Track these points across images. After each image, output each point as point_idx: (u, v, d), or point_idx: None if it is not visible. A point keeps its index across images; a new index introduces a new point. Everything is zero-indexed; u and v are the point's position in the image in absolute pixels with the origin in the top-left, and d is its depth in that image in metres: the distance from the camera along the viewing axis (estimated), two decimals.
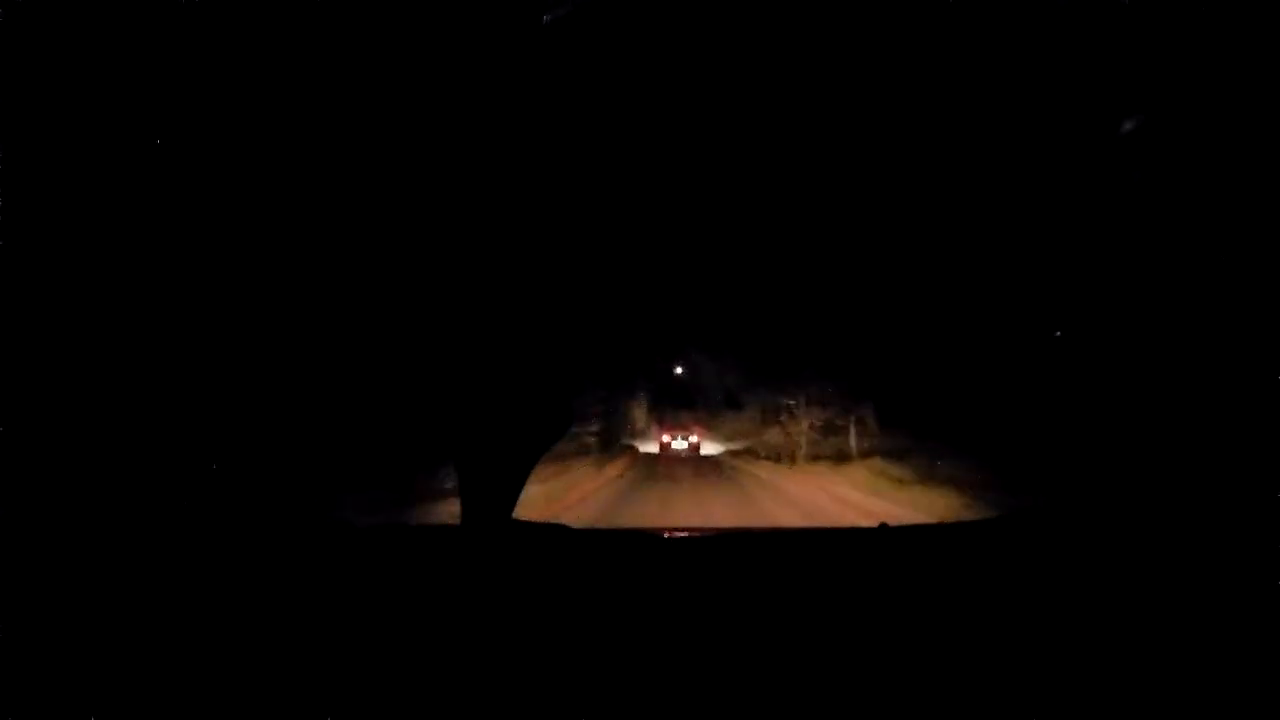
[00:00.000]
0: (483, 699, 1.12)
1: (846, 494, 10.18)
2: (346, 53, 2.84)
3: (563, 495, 8.91)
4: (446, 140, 2.94)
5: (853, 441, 13.89)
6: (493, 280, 2.70)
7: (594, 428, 14.78)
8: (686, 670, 1.18)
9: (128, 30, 2.52)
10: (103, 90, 2.58)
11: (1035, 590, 1.47)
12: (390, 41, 2.79)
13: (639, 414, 25.48)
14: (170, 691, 1.11)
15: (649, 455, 18.87)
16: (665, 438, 19.51)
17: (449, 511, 5.95)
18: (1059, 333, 6.75)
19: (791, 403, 16.05)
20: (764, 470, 14.68)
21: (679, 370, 27.56)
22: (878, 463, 12.09)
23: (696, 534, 2.76)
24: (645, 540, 2.25)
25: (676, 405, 26.77)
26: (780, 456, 15.95)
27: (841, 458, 14.04)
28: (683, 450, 18.46)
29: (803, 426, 15.33)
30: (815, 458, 14.73)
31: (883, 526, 2.03)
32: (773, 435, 16.52)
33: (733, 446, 20.31)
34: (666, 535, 2.35)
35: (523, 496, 2.08)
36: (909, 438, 12.60)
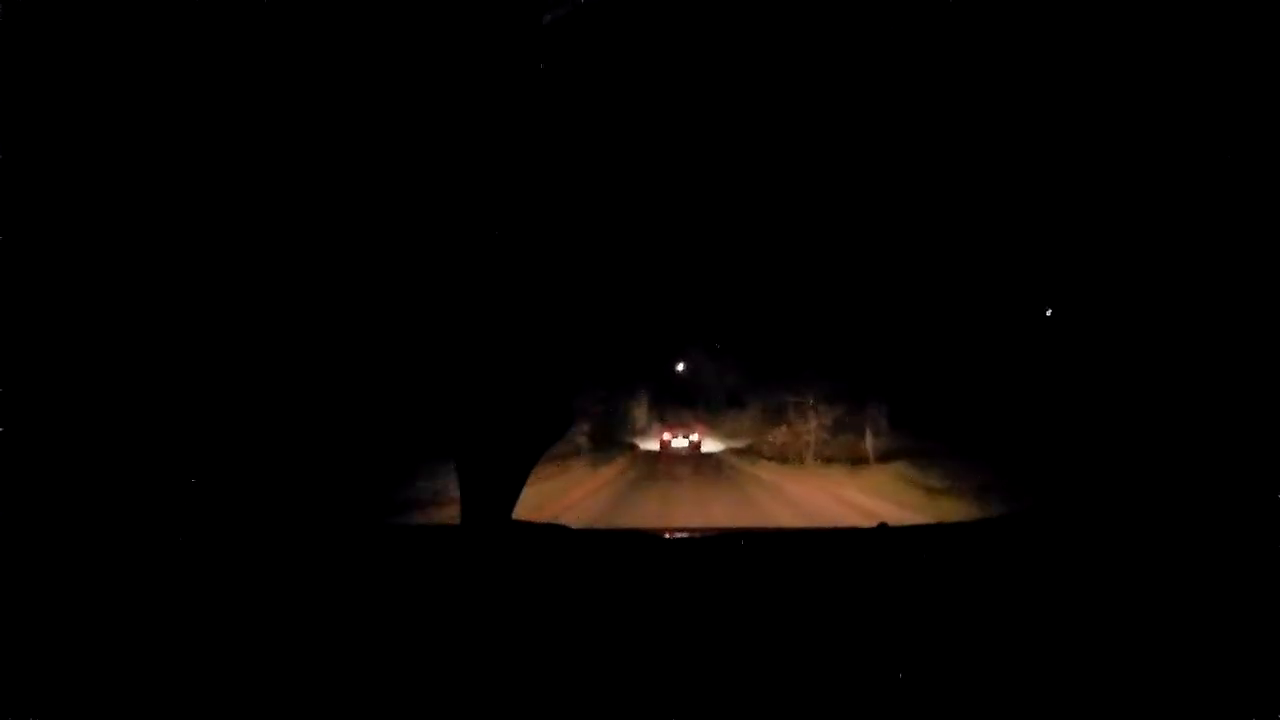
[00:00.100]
0: (483, 699, 1.11)
1: (868, 504, 8.65)
2: (347, 53, 2.80)
3: (548, 503, 7.71)
4: (446, 140, 2.90)
5: (869, 442, 12.37)
6: (492, 280, 2.66)
7: (585, 427, 13.39)
8: (686, 670, 1.17)
9: (127, 30, 2.47)
10: (103, 90, 2.52)
11: (1035, 590, 1.45)
12: (390, 41, 2.75)
13: (639, 412, 24.75)
14: (171, 691, 1.08)
15: (648, 454, 17.84)
16: (666, 436, 19.03)
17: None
18: (1049, 311, 6.65)
19: (798, 400, 14.60)
20: (769, 471, 13.22)
21: (680, 368, 26.79)
22: (901, 466, 10.58)
23: (696, 534, 2.62)
24: (645, 540, 2.19)
25: (678, 403, 25.78)
26: (787, 457, 14.43)
27: (857, 459, 12.53)
28: (683, 448, 17.95)
29: (811, 425, 13.84)
30: (827, 459, 13.22)
31: (882, 526, 1.97)
32: (779, 434, 15.00)
33: (736, 446, 19.05)
34: (666, 535, 2.29)
35: None
36: (920, 439, 11.60)
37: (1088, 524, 2.05)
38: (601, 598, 1.47)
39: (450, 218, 2.82)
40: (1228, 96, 3.15)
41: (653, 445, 19.58)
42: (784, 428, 14.81)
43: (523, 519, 1.99)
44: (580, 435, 13.86)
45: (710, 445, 20.02)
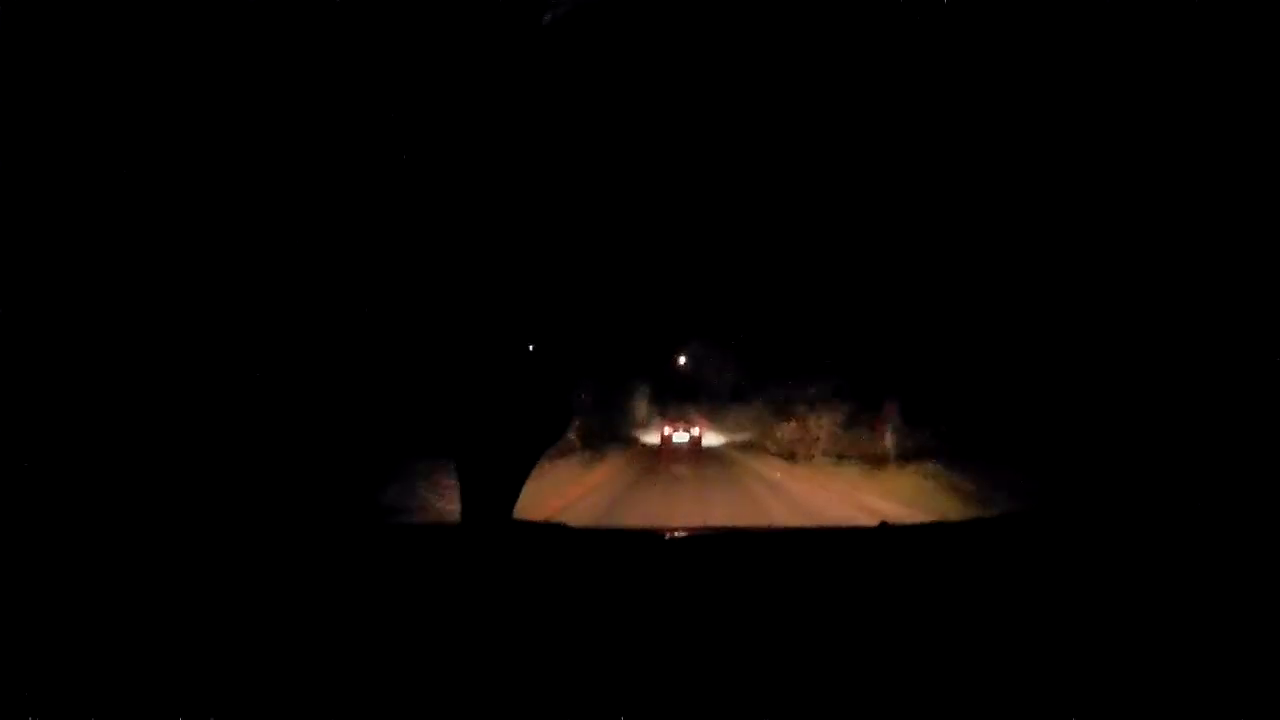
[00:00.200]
0: (483, 698, 1.08)
1: (900, 513, 7.04)
2: (347, 53, 2.78)
3: (523, 515, 6.05)
4: (447, 140, 2.87)
5: (888, 439, 10.86)
6: (492, 278, 2.65)
7: (575, 422, 11.92)
8: (686, 669, 1.14)
9: (128, 30, 2.43)
10: (103, 90, 2.48)
11: (1035, 590, 1.42)
12: (391, 41, 2.74)
13: (640, 406, 24.31)
14: (171, 690, 1.06)
15: (648, 451, 16.63)
16: (667, 430, 18.54)
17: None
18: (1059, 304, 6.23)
19: (807, 394, 13.14)
20: (777, 470, 11.72)
21: (682, 361, 26.64)
22: (929, 467, 9.07)
23: (696, 533, 2.50)
24: (645, 539, 2.19)
25: (679, 397, 25.53)
26: (794, 454, 12.95)
27: (873, 458, 11.03)
28: (684, 443, 17.31)
29: (822, 421, 12.33)
30: (839, 457, 11.73)
31: (882, 525, 1.94)
32: (787, 431, 13.51)
33: (740, 441, 17.89)
34: (666, 534, 2.19)
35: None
36: (939, 436, 10.35)
37: (1088, 524, 1.95)
38: (601, 597, 1.42)
39: (450, 217, 2.80)
40: (1228, 96, 3.07)
41: (654, 439, 19.10)
42: (791, 423, 13.33)
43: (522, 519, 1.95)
44: (570, 431, 12.61)
45: (714, 441, 19.30)
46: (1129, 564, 1.53)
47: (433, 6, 2.71)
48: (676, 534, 2.21)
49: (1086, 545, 1.73)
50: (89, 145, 2.51)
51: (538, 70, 2.84)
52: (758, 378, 20.87)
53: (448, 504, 5.81)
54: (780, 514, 7.42)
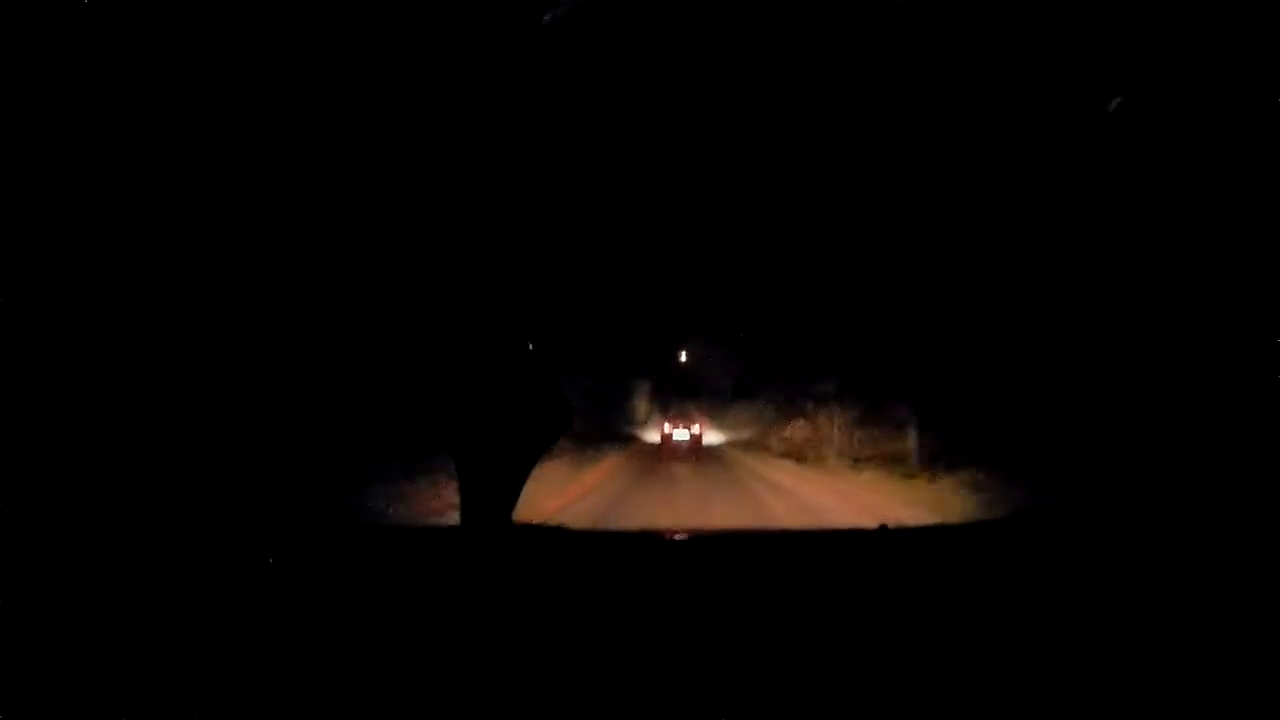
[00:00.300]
0: (483, 699, 1.07)
1: None
2: (347, 52, 2.73)
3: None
4: (447, 138, 2.85)
5: (913, 442, 9.42)
6: (491, 275, 2.62)
7: None
8: (687, 671, 1.12)
9: (128, 30, 2.42)
10: (103, 90, 2.47)
11: (1036, 590, 1.40)
12: (391, 41, 2.69)
13: (640, 403, 23.92)
14: (171, 690, 1.05)
15: (646, 450, 15.37)
16: (667, 428, 17.61)
17: None
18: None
19: (821, 388, 11.75)
20: (788, 475, 10.10)
21: (683, 358, 26.21)
22: (968, 476, 7.62)
23: (696, 534, 2.46)
24: (645, 541, 2.16)
25: (681, 394, 25.15)
26: (804, 455, 11.51)
27: (892, 461, 9.62)
28: (684, 441, 16.50)
29: (834, 419, 10.91)
30: (855, 460, 10.30)
31: (882, 527, 1.89)
32: (795, 429, 12.06)
33: (745, 441, 16.55)
34: (666, 536, 2.18)
35: None
36: (962, 439, 9.02)
37: (1089, 524, 1.96)
38: (602, 599, 1.38)
39: (450, 216, 2.85)
40: (1229, 96, 3.08)
41: (655, 437, 18.59)
42: (801, 422, 11.87)
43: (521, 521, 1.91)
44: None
45: (716, 439, 18.53)
46: (1131, 566, 1.48)
47: (433, 6, 2.66)
48: (676, 536, 2.11)
49: (1089, 547, 1.66)
50: (88, 145, 2.47)
51: (538, 70, 2.78)
52: (761, 374, 20.40)
53: (448, 504, 5.58)
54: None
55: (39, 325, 2.41)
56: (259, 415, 3.83)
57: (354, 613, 1.26)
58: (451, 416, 1.94)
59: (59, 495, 2.07)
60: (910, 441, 9.65)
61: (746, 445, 15.87)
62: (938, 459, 8.88)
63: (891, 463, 9.53)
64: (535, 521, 1.95)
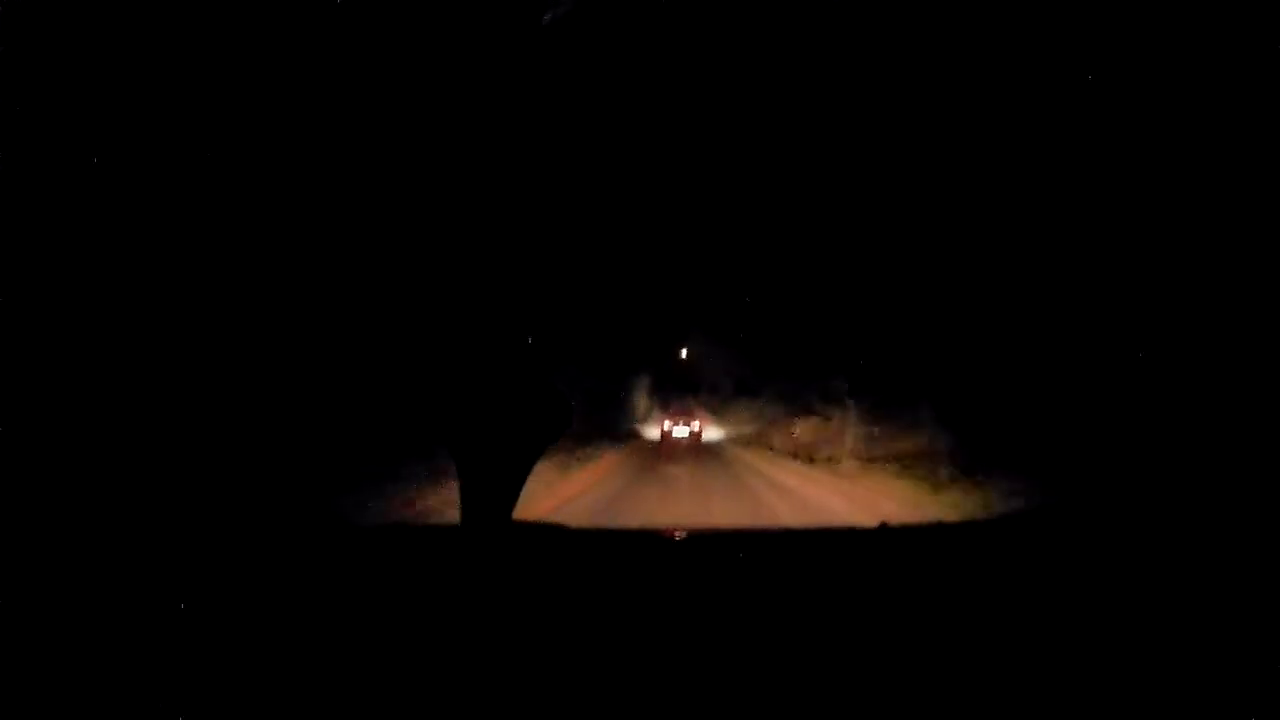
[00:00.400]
0: (483, 699, 1.04)
1: None
2: (347, 52, 2.66)
3: None
4: (447, 138, 2.79)
5: (941, 445, 8.33)
6: (490, 273, 2.66)
7: None
8: (687, 669, 1.09)
9: (128, 30, 2.36)
10: (103, 90, 2.41)
11: (1035, 590, 1.37)
12: (391, 41, 2.64)
13: (640, 399, 23.09)
14: (171, 690, 1.01)
15: (644, 449, 14.50)
16: (667, 425, 17.72)
17: None
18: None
19: (831, 384, 10.72)
20: (793, 476, 9.09)
21: (684, 354, 25.53)
22: (1009, 485, 6.57)
23: (697, 533, 2.45)
24: (646, 539, 2.14)
25: (681, 390, 24.48)
26: (814, 456, 10.48)
27: (912, 463, 8.60)
28: (684, 438, 16.58)
29: (849, 416, 9.87)
30: (869, 461, 9.28)
31: (883, 526, 1.91)
32: (805, 427, 11.01)
33: (746, 440, 15.57)
34: (667, 534, 2.17)
35: None
36: (974, 442, 8.13)
37: (1088, 524, 1.91)
38: (602, 597, 1.35)
39: (450, 214, 2.81)
40: (1229, 95, 2.99)
41: (654, 433, 18.22)
42: (812, 419, 10.82)
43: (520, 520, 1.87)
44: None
45: (717, 435, 18.19)
46: (1130, 564, 1.45)
47: (433, 6, 2.63)
48: (676, 534, 2.08)
49: (1087, 545, 1.64)
50: (88, 145, 2.38)
51: (538, 70, 2.75)
52: (763, 372, 19.63)
53: (447, 505, 5.29)
54: None
55: (37, 325, 2.35)
56: (258, 416, 3.74)
57: (354, 612, 1.21)
58: (451, 416, 1.89)
59: (57, 496, 1.99)
60: (925, 442, 8.58)
61: (748, 443, 14.86)
62: (966, 463, 7.85)
63: (910, 465, 8.47)
64: (533, 520, 1.86)
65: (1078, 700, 1.00)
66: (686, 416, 18.95)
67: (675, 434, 16.94)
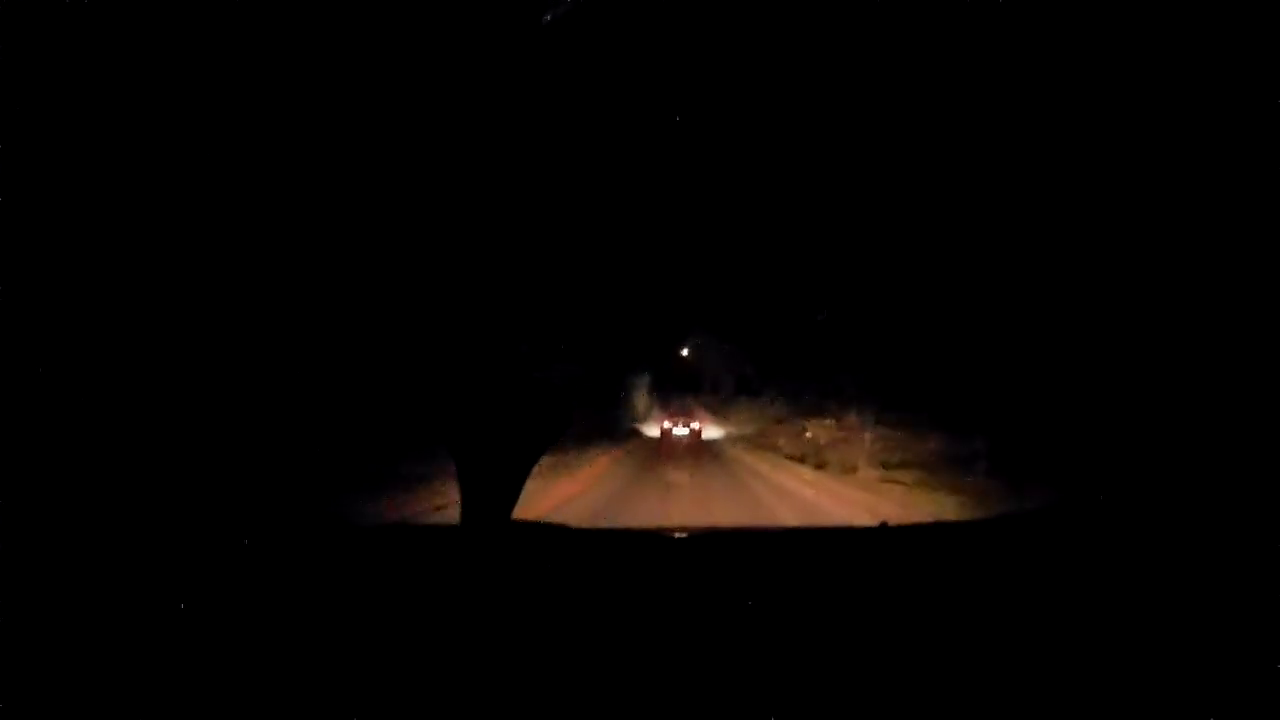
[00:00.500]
0: (483, 698, 1.01)
1: None
2: (347, 52, 2.66)
3: None
4: (448, 138, 2.77)
5: (975, 449, 7.27)
6: (490, 273, 2.67)
7: None
8: (687, 668, 1.06)
9: (128, 30, 2.33)
10: (103, 90, 2.38)
11: (1035, 590, 1.34)
12: (391, 41, 2.64)
13: (640, 398, 22.28)
14: (172, 691, 0.99)
15: (640, 449, 13.54)
16: (667, 424, 17.32)
17: None
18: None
19: (841, 382, 9.69)
20: (807, 486, 7.90)
21: (685, 352, 24.77)
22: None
23: (697, 533, 2.36)
24: (646, 539, 2.05)
25: (682, 389, 23.89)
26: (825, 461, 9.43)
27: (937, 471, 7.58)
28: (684, 437, 16.23)
29: (866, 422, 8.84)
30: (889, 467, 8.22)
31: (883, 526, 1.84)
32: (819, 430, 9.93)
33: (749, 441, 14.49)
34: (667, 534, 2.12)
35: None
36: (1003, 450, 7.17)
37: (1089, 524, 1.88)
38: (602, 597, 1.32)
39: (449, 214, 2.76)
40: (1229, 96, 2.96)
41: (654, 432, 17.71)
42: (828, 421, 9.76)
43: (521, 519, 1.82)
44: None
45: (718, 434, 17.49)
46: (1131, 565, 1.41)
47: (433, 6, 2.59)
48: (677, 534, 2.06)
49: (1088, 546, 1.58)
50: (87, 145, 2.34)
51: (538, 70, 2.73)
52: (765, 371, 18.79)
53: (447, 504, 5.25)
54: None
55: (36, 325, 2.29)
56: (258, 416, 3.64)
57: (354, 612, 1.18)
58: (452, 416, 1.86)
59: (56, 497, 1.90)
60: (945, 445, 7.55)
61: (751, 445, 13.83)
62: (1000, 471, 6.83)
63: (938, 474, 7.46)
64: (533, 519, 1.81)
65: (1078, 700, 0.96)
66: (687, 416, 18.45)
67: (675, 433, 16.54)
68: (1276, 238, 3.03)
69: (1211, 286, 4.04)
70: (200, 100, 2.58)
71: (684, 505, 6.38)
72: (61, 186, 2.34)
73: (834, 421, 9.65)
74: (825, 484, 7.77)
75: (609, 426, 15.04)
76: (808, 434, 10.01)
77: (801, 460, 9.97)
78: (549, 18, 2.56)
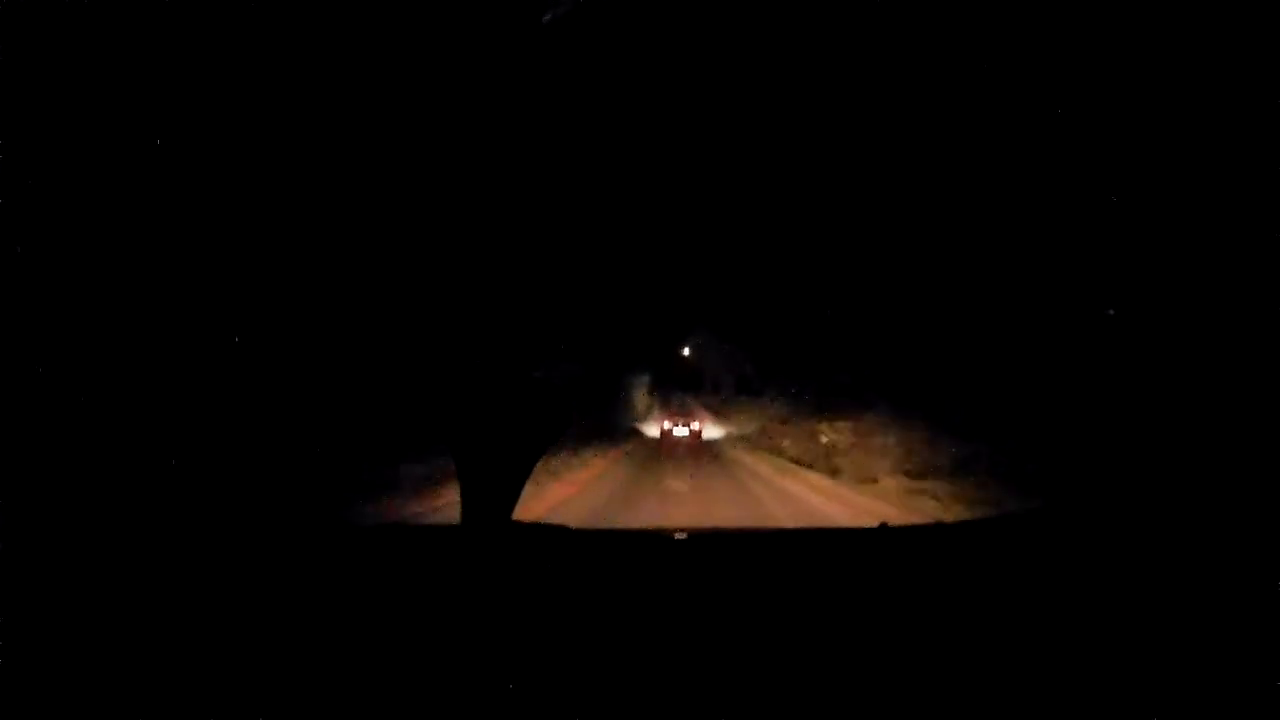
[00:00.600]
0: (483, 699, 0.98)
1: None
2: (347, 52, 2.62)
3: None
4: (448, 138, 2.72)
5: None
6: (490, 274, 2.68)
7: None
8: (687, 669, 1.03)
9: (128, 30, 2.27)
10: (103, 90, 2.31)
11: (1035, 590, 1.30)
12: (391, 41, 2.60)
13: (640, 397, 21.75)
14: (172, 692, 0.96)
15: (638, 450, 12.62)
16: (667, 424, 16.81)
17: None
18: (1110, 311, 5.70)
19: (843, 380, 8.70)
20: (822, 496, 6.89)
21: (686, 351, 24.07)
22: None
23: (697, 533, 2.24)
24: (646, 540, 2.01)
25: (683, 389, 23.42)
26: (839, 468, 8.41)
27: (961, 483, 6.58)
28: (684, 437, 15.86)
29: (888, 423, 7.84)
30: (911, 475, 7.24)
31: (883, 526, 1.76)
32: (836, 433, 8.88)
33: (751, 443, 13.53)
34: (667, 535, 2.02)
35: None
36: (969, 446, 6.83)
37: (1089, 524, 1.83)
38: (602, 598, 1.27)
39: (449, 214, 2.74)
40: (1229, 96, 2.95)
41: (654, 431, 17.25)
42: (843, 425, 8.75)
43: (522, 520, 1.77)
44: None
45: (720, 435, 16.87)
46: (1131, 565, 1.38)
47: (433, 6, 2.54)
48: (677, 534, 2.01)
49: (1088, 547, 1.54)
50: (88, 145, 2.26)
51: (538, 70, 2.67)
52: (767, 370, 18.18)
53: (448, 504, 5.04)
54: None
55: (35, 325, 2.23)
56: (258, 417, 3.43)
57: (354, 613, 1.16)
58: (452, 417, 1.78)
59: (55, 497, 1.87)
60: (967, 452, 6.54)
61: (754, 447, 12.90)
62: (1034, 483, 5.86)
63: (967, 483, 6.48)
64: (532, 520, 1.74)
65: (1078, 701, 0.95)
66: (687, 416, 17.87)
67: (675, 433, 16.16)
68: (1275, 238, 2.98)
69: (1212, 287, 3.98)
70: (204, 101, 2.53)
71: (684, 521, 5.41)
72: (61, 187, 2.29)
73: (850, 423, 8.61)
74: (843, 496, 6.73)
75: (608, 426, 14.34)
76: (823, 438, 8.95)
77: (808, 464, 8.96)
78: (549, 17, 2.55)
